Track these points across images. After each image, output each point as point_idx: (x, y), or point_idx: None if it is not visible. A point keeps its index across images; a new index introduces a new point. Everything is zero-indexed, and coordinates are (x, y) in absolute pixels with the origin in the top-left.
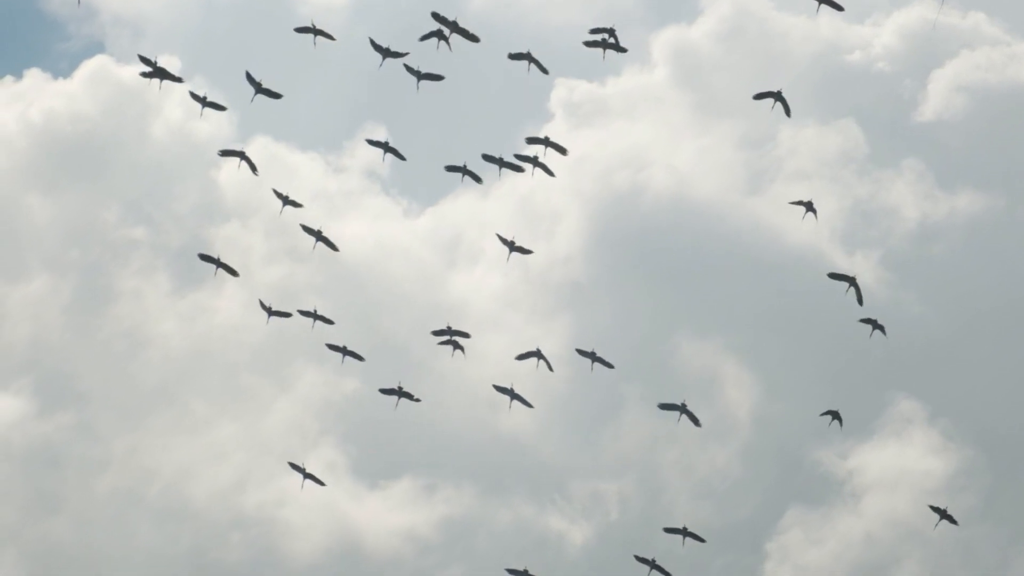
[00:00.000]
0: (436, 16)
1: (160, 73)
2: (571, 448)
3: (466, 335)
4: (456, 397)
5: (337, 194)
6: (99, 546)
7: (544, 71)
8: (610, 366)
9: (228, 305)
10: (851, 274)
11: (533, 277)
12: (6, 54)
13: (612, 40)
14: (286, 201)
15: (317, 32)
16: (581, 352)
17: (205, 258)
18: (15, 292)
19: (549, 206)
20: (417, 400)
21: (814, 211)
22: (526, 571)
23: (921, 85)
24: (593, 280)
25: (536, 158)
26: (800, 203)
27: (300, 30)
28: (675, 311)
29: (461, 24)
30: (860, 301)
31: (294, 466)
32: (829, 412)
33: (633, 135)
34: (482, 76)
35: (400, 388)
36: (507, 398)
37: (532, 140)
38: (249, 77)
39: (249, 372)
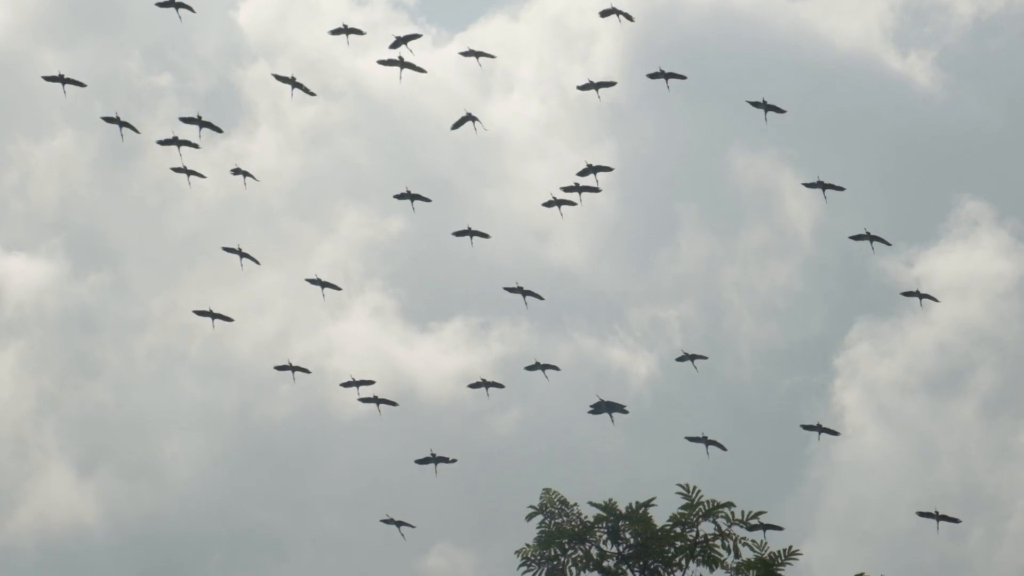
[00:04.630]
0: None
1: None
2: (626, 275)
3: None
4: (503, 230)
5: (363, 26)
6: (141, 409)
7: None
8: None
9: (262, 150)
10: None
11: (572, 101)
12: None
13: None
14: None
15: None
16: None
17: (165, 144)
18: (39, 151)
19: (583, 26)
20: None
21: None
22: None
23: None
24: (635, 100)
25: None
26: None
27: None
28: (724, 126)
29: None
30: None
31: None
32: (812, 427)
33: None
34: None
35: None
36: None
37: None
38: None
39: (288, 217)
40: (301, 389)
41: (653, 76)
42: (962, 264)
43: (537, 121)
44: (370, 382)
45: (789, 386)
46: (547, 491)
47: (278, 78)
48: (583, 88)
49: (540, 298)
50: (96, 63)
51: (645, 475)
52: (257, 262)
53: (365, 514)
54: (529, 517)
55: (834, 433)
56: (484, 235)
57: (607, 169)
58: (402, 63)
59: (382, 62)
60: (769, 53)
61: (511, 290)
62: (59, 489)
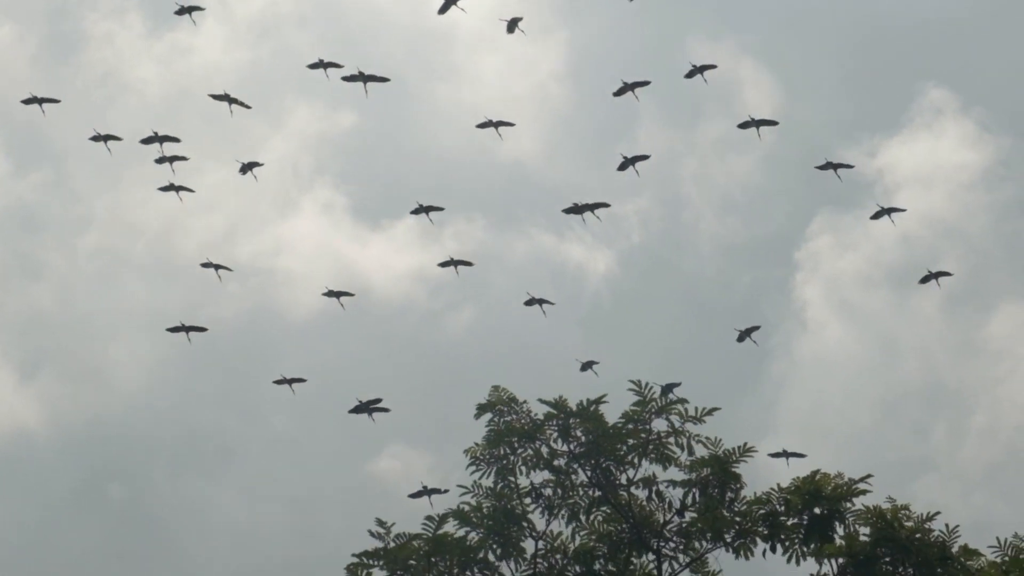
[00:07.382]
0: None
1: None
2: (582, 169)
3: (606, 205)
4: (455, 123)
5: None
6: (85, 311)
7: None
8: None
9: (207, 43)
10: None
11: None
12: None
13: None
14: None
15: None
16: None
17: (160, 162)
18: None
19: None
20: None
21: None
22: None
23: None
24: None
25: None
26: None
27: None
28: (681, 14)
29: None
30: None
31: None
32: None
33: None
34: None
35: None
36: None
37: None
38: None
39: (236, 112)
40: (250, 290)
41: (689, 75)
42: (926, 155)
43: (488, 13)
44: (379, 401)
45: (750, 281)
46: (496, 388)
47: (214, 97)
48: (618, 93)
49: (552, 303)
50: None
51: (604, 373)
52: (230, 270)
53: (316, 417)
54: (478, 415)
55: (800, 456)
56: (468, 263)
57: (644, 158)
58: (364, 77)
59: (345, 79)
60: None
61: (529, 303)
62: (1, 394)
